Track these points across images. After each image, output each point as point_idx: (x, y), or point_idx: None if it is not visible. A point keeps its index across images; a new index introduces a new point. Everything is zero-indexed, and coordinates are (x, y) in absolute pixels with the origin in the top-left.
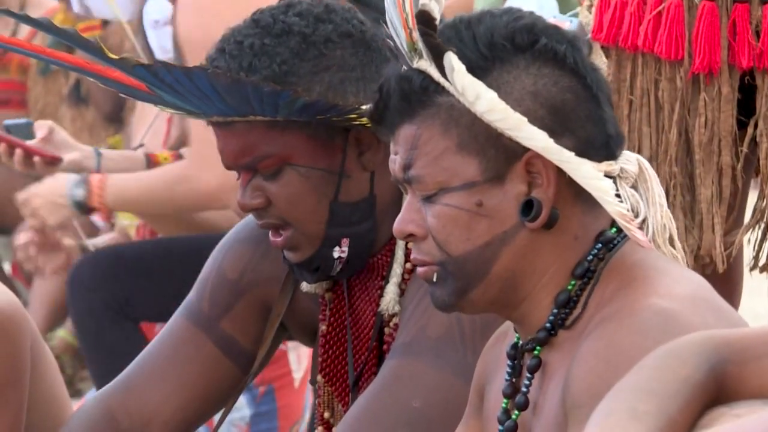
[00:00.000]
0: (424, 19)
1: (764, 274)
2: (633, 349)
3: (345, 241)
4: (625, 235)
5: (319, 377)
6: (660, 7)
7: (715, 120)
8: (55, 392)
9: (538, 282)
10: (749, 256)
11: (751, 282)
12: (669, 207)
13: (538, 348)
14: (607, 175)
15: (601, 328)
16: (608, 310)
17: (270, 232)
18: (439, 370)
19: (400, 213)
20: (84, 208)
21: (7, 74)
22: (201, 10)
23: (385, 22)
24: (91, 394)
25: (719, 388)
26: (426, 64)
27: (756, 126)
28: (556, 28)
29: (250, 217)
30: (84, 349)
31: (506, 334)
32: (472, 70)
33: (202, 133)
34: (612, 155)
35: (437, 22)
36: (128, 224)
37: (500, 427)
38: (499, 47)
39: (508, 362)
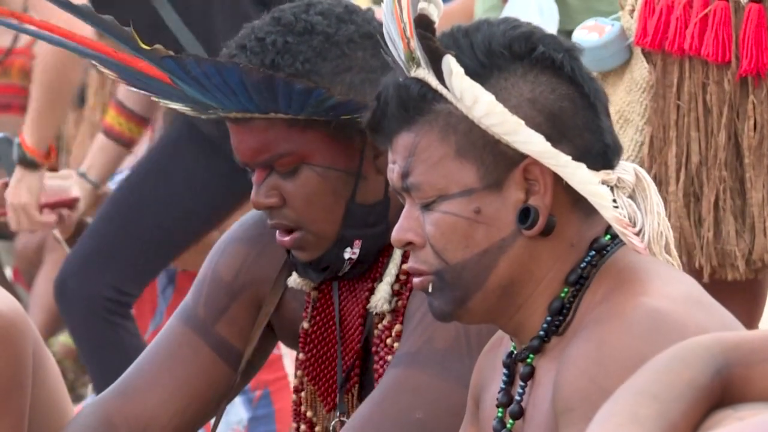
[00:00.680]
0: (422, 23)
1: None
2: (624, 350)
3: (358, 243)
4: (619, 241)
5: (299, 373)
6: (706, 10)
7: (764, 122)
8: (57, 397)
9: (534, 290)
10: None
11: None
12: (719, 211)
13: (531, 356)
14: (604, 184)
15: (591, 329)
16: (598, 311)
17: (277, 232)
18: (443, 382)
19: (399, 221)
20: (26, 161)
21: (8, 78)
22: None
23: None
24: (91, 400)
25: (725, 391)
26: (424, 72)
27: None
28: (553, 37)
29: (244, 218)
30: (84, 358)
31: (501, 341)
32: (470, 76)
33: None
34: (609, 164)
35: (436, 26)
36: None
37: None
38: (497, 55)
39: (504, 371)
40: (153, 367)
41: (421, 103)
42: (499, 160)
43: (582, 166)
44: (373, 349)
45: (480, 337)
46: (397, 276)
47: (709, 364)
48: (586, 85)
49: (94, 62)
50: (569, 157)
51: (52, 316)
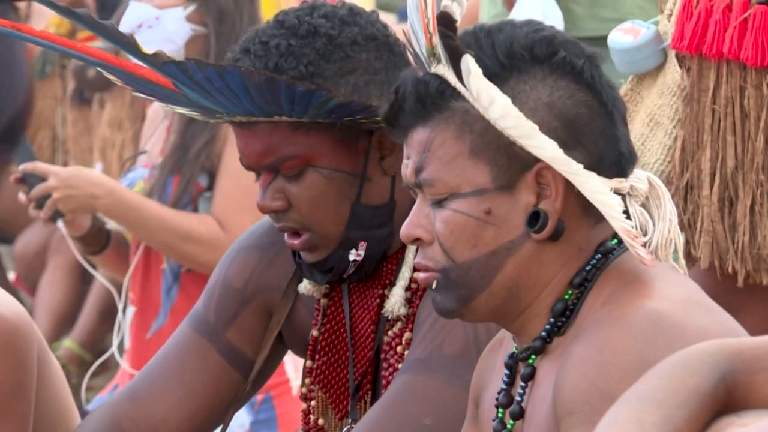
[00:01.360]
0: (444, 21)
1: None
2: (624, 353)
3: (362, 245)
4: (625, 245)
5: (308, 380)
6: (746, 14)
7: None
8: (62, 402)
9: (540, 293)
10: None
11: None
12: (755, 216)
13: (533, 357)
14: (617, 192)
15: (592, 331)
16: (600, 313)
17: (286, 235)
18: (452, 389)
19: (409, 217)
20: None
21: None
22: None
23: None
24: (96, 403)
25: (729, 397)
26: (443, 69)
27: None
28: (575, 43)
29: (255, 226)
30: None
31: (502, 342)
32: (489, 77)
33: (230, 188)
34: (623, 173)
35: (458, 24)
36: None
37: None
38: (518, 57)
39: (505, 371)
40: (163, 372)
41: (438, 100)
42: (513, 162)
43: (593, 175)
44: (383, 356)
45: None
46: (411, 279)
47: (713, 370)
48: (604, 93)
49: (99, 69)
50: (581, 165)
51: (57, 320)
